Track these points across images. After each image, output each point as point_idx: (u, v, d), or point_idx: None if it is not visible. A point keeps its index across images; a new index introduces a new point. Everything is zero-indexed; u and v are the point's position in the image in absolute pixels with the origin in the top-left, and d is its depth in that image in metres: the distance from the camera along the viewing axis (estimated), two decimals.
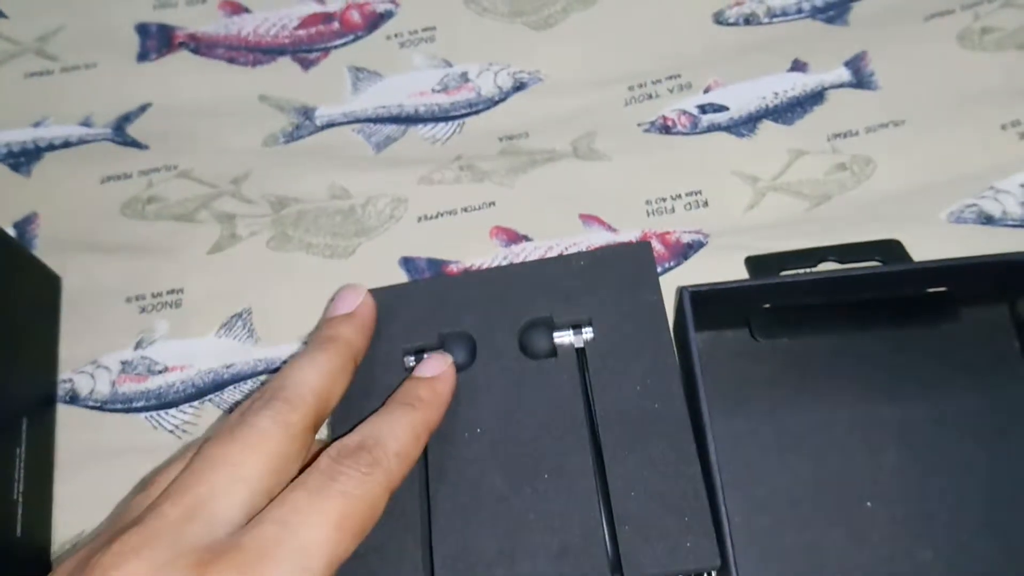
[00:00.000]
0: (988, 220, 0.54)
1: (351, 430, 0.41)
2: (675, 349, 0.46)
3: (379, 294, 0.49)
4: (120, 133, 0.62)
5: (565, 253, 0.55)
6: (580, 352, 0.46)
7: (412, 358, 0.47)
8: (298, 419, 0.39)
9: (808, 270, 0.51)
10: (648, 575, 0.41)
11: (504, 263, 0.56)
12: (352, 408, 0.46)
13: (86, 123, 0.63)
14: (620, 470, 0.43)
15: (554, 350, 0.46)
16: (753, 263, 0.52)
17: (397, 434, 0.40)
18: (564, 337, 0.46)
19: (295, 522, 0.35)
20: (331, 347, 0.43)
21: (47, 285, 0.57)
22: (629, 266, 0.48)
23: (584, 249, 0.55)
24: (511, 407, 0.45)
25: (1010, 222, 0.54)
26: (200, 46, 0.65)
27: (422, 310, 0.49)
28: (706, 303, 0.48)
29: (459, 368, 0.46)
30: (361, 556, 0.42)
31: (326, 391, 0.41)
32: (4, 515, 0.48)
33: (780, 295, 0.50)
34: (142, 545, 0.34)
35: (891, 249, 0.51)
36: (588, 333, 0.46)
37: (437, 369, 0.45)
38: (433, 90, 0.62)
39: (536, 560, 0.42)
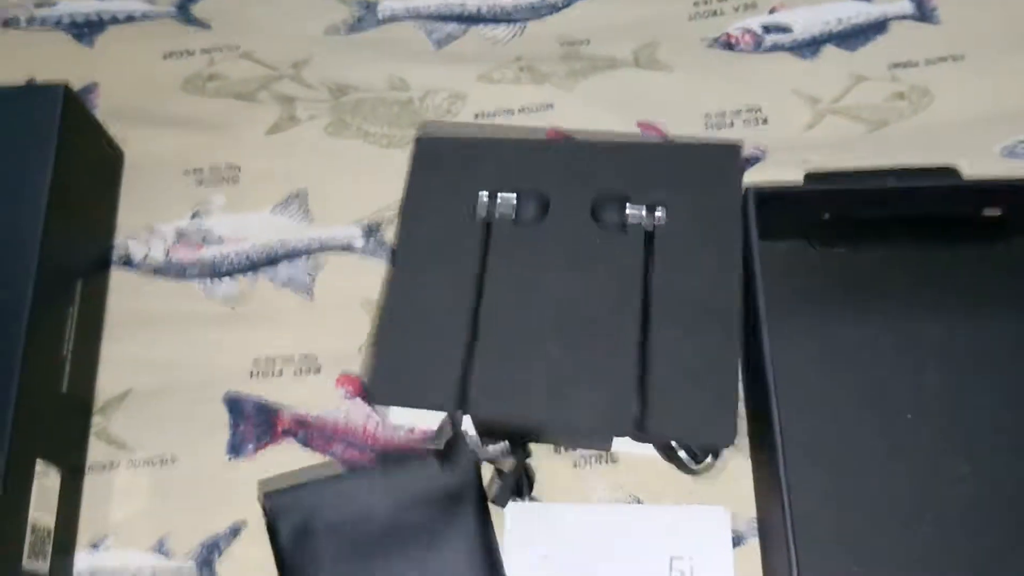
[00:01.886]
0: None
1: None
2: (740, 249, 0.47)
3: (443, 144, 0.51)
4: (184, 11, 0.62)
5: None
6: (649, 231, 0.48)
7: (486, 194, 0.49)
8: None
9: (874, 182, 0.51)
10: (667, 438, 0.44)
11: None
12: (423, 250, 0.49)
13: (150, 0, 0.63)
14: (663, 344, 0.45)
15: (624, 225, 0.48)
16: (812, 179, 0.53)
17: None
18: (637, 214, 0.48)
19: None
20: None
21: (111, 156, 0.57)
22: (714, 163, 0.49)
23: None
24: (573, 267, 0.47)
25: None
26: None
27: (503, 165, 0.50)
28: (769, 207, 0.49)
29: (531, 222, 0.48)
30: (400, 369, 0.45)
31: None
32: (52, 371, 0.49)
33: (840, 205, 0.51)
34: None
35: (948, 175, 0.52)
36: (660, 216, 0.48)
37: None
38: None
39: (568, 407, 0.44)
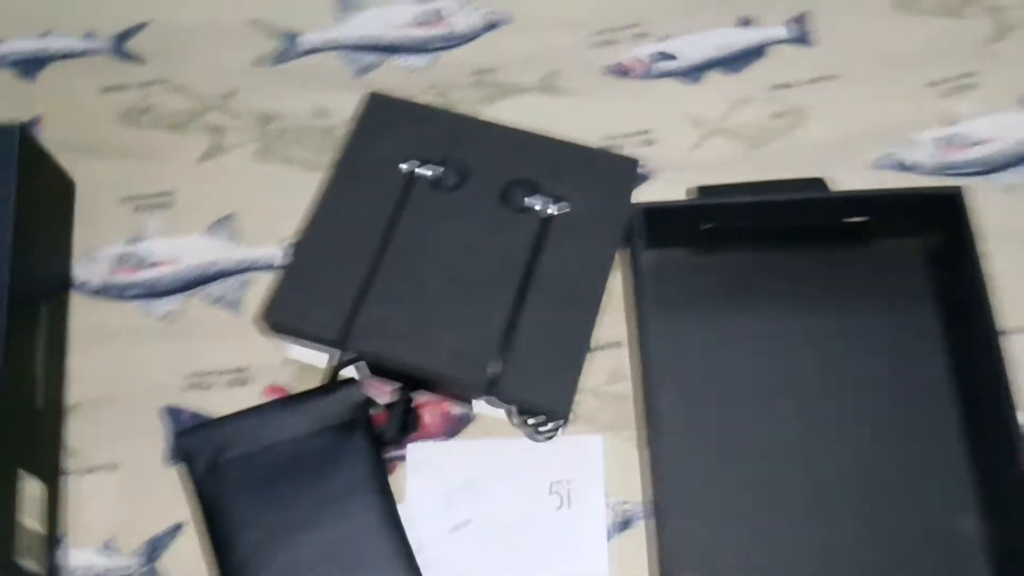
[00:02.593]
0: (905, 168, 0.60)
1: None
2: (618, 247, 0.53)
3: (392, 103, 0.57)
4: (120, 48, 0.67)
5: None
6: (546, 219, 0.54)
7: (413, 165, 0.55)
8: None
9: (751, 196, 0.57)
10: (512, 398, 0.50)
11: None
12: (348, 194, 0.54)
13: (89, 36, 0.67)
14: (531, 314, 0.51)
15: (526, 209, 0.54)
16: (702, 192, 0.58)
17: None
18: (539, 202, 0.54)
19: None
20: None
21: (64, 187, 0.61)
22: (615, 171, 0.56)
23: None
24: (473, 235, 0.54)
25: (924, 170, 0.60)
26: None
27: (438, 133, 0.56)
28: (656, 220, 0.55)
29: (448, 189, 0.55)
30: (296, 298, 0.51)
31: None
32: (28, 391, 0.53)
33: (721, 217, 0.56)
34: None
35: (816, 186, 0.57)
36: (558, 208, 0.54)
37: None
38: (411, 24, 0.67)
39: (433, 354, 0.51)
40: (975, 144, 0.61)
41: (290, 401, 0.53)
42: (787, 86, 0.64)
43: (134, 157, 0.63)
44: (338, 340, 0.51)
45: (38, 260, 0.57)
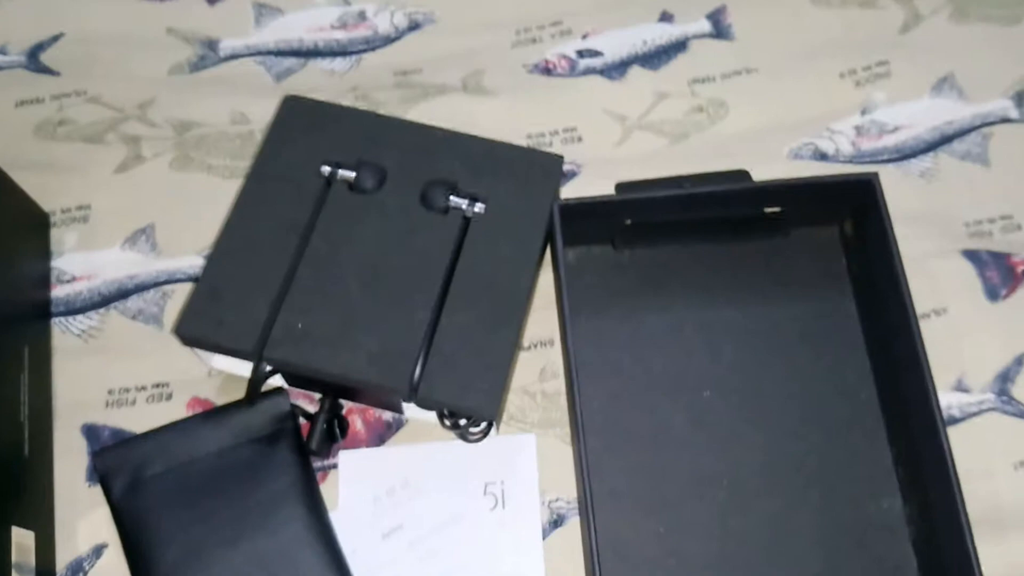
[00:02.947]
0: (823, 157, 0.61)
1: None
2: (541, 245, 0.53)
3: (308, 106, 0.56)
4: (34, 60, 0.65)
5: None
6: (467, 219, 0.53)
7: (329, 168, 0.54)
8: None
9: (667, 190, 0.57)
10: (437, 402, 0.49)
11: None
12: (263, 200, 0.53)
13: (1, 51, 0.65)
14: (454, 316, 0.51)
15: (447, 210, 0.53)
16: (622, 188, 0.58)
17: None
18: (459, 202, 0.53)
19: None
20: None
21: (36, 220, 0.59)
22: (538, 169, 0.55)
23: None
24: (392, 238, 0.52)
25: (841, 158, 0.61)
26: None
27: (355, 134, 0.55)
28: (575, 217, 0.54)
29: (366, 191, 0.53)
30: (210, 308, 0.50)
31: None
32: (14, 439, 0.50)
33: (640, 212, 0.56)
34: None
35: (740, 178, 0.58)
36: (480, 208, 0.53)
37: None
38: (332, 26, 0.67)
39: (353, 362, 0.49)
40: (890, 132, 0.62)
41: (212, 415, 0.53)
42: (708, 80, 0.64)
43: (51, 171, 0.61)
44: (254, 351, 0.49)
45: (16, 303, 0.54)
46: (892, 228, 0.52)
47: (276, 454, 0.51)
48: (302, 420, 0.53)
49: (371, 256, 0.52)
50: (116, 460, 0.51)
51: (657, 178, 0.58)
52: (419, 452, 0.53)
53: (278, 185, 0.53)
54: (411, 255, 0.52)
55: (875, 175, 0.53)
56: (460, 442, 0.53)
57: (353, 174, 0.54)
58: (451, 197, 0.53)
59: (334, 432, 0.53)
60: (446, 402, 0.49)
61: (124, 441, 0.52)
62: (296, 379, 0.53)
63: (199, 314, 0.50)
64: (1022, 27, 0.65)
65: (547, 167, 0.55)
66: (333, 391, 0.53)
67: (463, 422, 0.51)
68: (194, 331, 0.50)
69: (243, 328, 0.50)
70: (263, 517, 0.49)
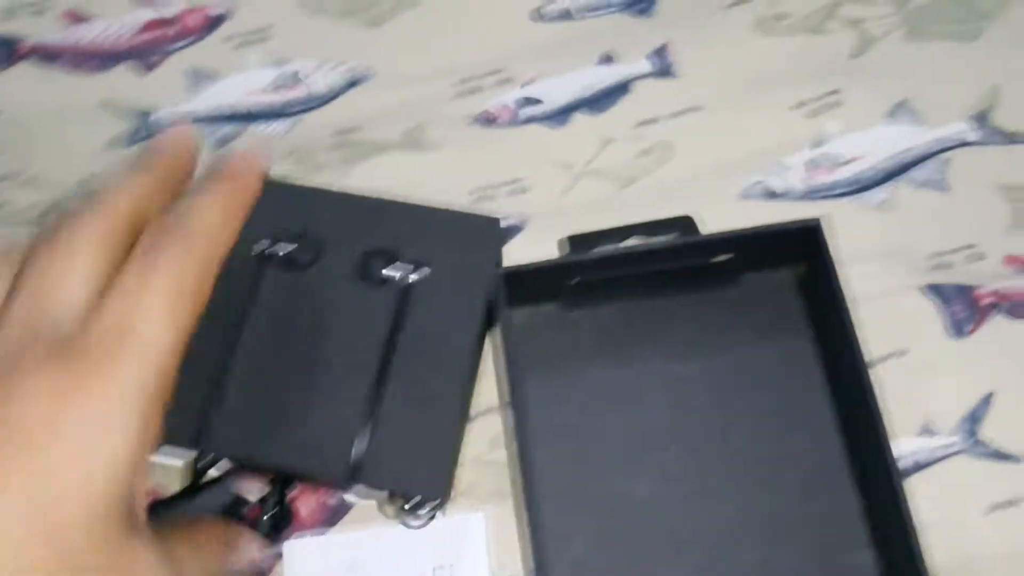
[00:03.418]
0: (773, 195, 0.59)
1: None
2: (483, 311, 0.50)
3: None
4: None
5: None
6: (405, 288, 0.50)
7: (267, 242, 0.51)
8: (118, 217, 0.40)
9: (613, 246, 0.55)
10: (379, 484, 0.47)
11: None
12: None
13: None
14: (392, 396, 0.48)
15: (385, 280, 0.51)
16: (570, 241, 0.57)
17: (210, 204, 0.43)
18: (397, 272, 0.51)
19: (130, 311, 0.37)
20: (147, 162, 0.45)
21: None
22: (476, 232, 0.52)
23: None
24: (330, 314, 0.50)
25: (793, 196, 0.59)
26: (44, 55, 0.67)
27: (285, 207, 0.52)
28: (520, 281, 0.53)
29: (302, 267, 0.51)
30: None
31: (143, 191, 0.42)
32: None
33: (586, 270, 0.54)
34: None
35: (684, 224, 0.56)
36: (416, 276, 0.51)
37: (249, 148, 0.48)
38: (267, 89, 0.65)
39: (292, 445, 0.47)
40: (844, 163, 0.60)
41: (152, 508, 0.51)
42: (653, 121, 0.62)
43: None
44: (192, 442, 0.48)
45: None
46: (837, 277, 0.50)
47: None
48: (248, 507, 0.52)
49: (307, 335, 0.50)
50: None
51: (606, 229, 0.56)
52: (366, 538, 0.52)
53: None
54: (348, 331, 0.50)
55: (818, 221, 0.51)
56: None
57: (290, 248, 0.51)
58: (389, 267, 0.51)
59: (280, 519, 0.51)
60: (391, 485, 0.47)
61: None
62: (240, 465, 0.51)
63: None
64: (981, 42, 0.63)
65: (485, 230, 0.53)
66: (278, 475, 0.51)
67: (407, 506, 0.50)
68: None
69: (178, 420, 0.47)
70: None
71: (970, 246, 0.57)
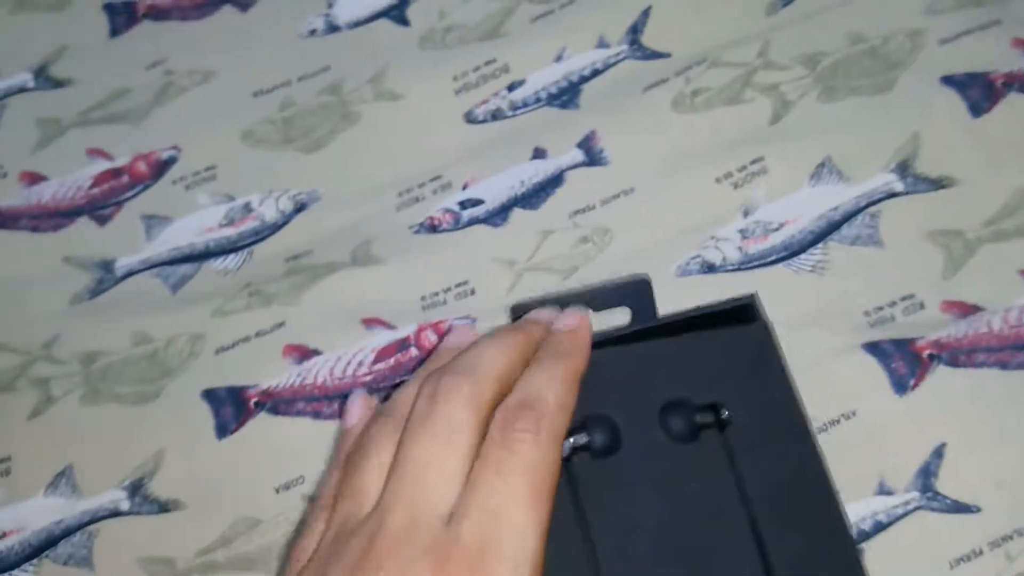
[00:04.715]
0: (711, 268, 0.60)
1: None
2: (807, 421, 0.48)
3: None
4: None
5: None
6: (722, 431, 0.47)
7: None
8: (487, 400, 0.41)
9: None
10: None
11: (299, 381, 0.62)
12: None
13: None
14: (775, 538, 0.45)
15: (697, 431, 0.47)
16: (512, 311, 0.55)
17: (553, 386, 0.42)
18: (706, 418, 0.47)
19: (496, 508, 0.38)
20: (517, 332, 0.46)
21: None
22: (743, 342, 0.50)
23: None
24: (664, 489, 0.46)
25: (729, 267, 0.60)
26: (5, 220, 0.70)
27: None
28: None
29: (605, 453, 0.46)
30: None
31: (509, 371, 0.43)
32: None
33: None
34: (384, 560, 0.37)
35: (639, 287, 0.54)
36: (725, 414, 0.47)
37: (575, 320, 0.48)
38: (220, 224, 0.68)
39: None
40: (775, 229, 0.61)
41: None
42: (588, 209, 0.64)
43: None
44: None
45: None
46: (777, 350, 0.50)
47: None
48: None
49: (656, 520, 0.45)
50: None
51: (555, 294, 0.56)
52: None
53: None
54: (694, 498, 0.46)
55: (754, 296, 0.52)
56: None
57: (584, 437, 0.46)
58: (695, 417, 0.47)
59: None
60: None
61: None
62: None
63: None
64: (893, 93, 0.64)
65: (754, 335, 0.49)
66: None
67: None
68: None
69: None
70: None
71: (908, 296, 0.58)
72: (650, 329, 0.52)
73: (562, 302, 0.56)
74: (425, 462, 0.39)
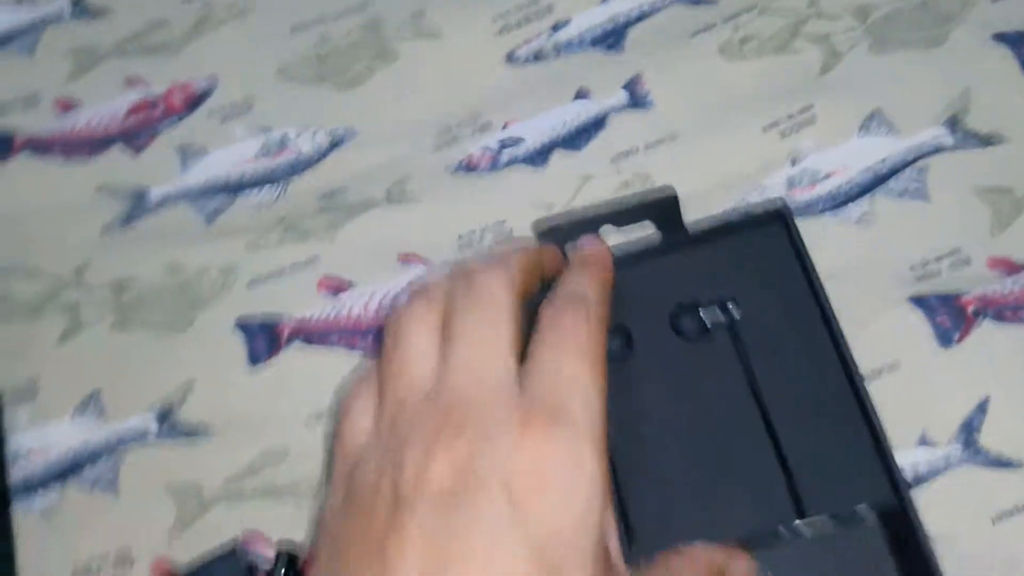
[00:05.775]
0: None
1: None
2: (825, 314, 0.49)
3: None
4: None
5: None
6: (732, 327, 0.49)
7: None
8: (519, 287, 0.42)
9: None
10: (827, 511, 0.46)
11: (333, 314, 0.61)
12: None
13: None
14: (786, 427, 0.47)
15: (706, 329, 0.49)
16: (537, 226, 0.57)
17: (593, 285, 0.44)
18: (716, 317, 0.49)
19: (562, 369, 0.39)
20: (533, 247, 0.48)
21: None
22: (762, 237, 0.51)
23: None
24: (675, 386, 0.49)
25: None
26: (38, 147, 0.69)
27: None
28: None
29: (619, 358, 0.49)
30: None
31: (533, 269, 0.45)
32: None
33: None
34: (466, 428, 0.37)
35: (666, 202, 0.55)
36: (734, 310, 0.49)
37: (596, 241, 0.51)
38: (256, 156, 0.67)
39: (728, 521, 0.46)
40: (822, 179, 0.60)
41: None
42: (631, 153, 0.63)
43: None
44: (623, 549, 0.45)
45: None
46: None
47: None
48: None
49: (667, 416, 0.48)
50: None
51: (574, 215, 0.57)
52: None
53: None
54: (705, 394, 0.48)
55: (782, 201, 0.52)
56: None
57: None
58: (702, 315, 0.50)
59: None
60: (838, 508, 0.47)
61: None
62: None
63: None
64: (945, 48, 0.63)
65: (772, 229, 0.51)
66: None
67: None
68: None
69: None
70: None
71: (955, 251, 0.57)
72: (677, 242, 0.52)
73: (588, 218, 0.55)
74: (477, 333, 0.39)
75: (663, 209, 0.55)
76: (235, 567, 0.52)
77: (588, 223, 0.55)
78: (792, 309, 0.49)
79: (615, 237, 0.56)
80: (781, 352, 0.48)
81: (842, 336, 0.49)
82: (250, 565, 0.52)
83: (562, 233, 0.55)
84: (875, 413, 0.47)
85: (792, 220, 0.51)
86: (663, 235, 0.55)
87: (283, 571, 0.52)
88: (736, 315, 0.49)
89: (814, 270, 0.50)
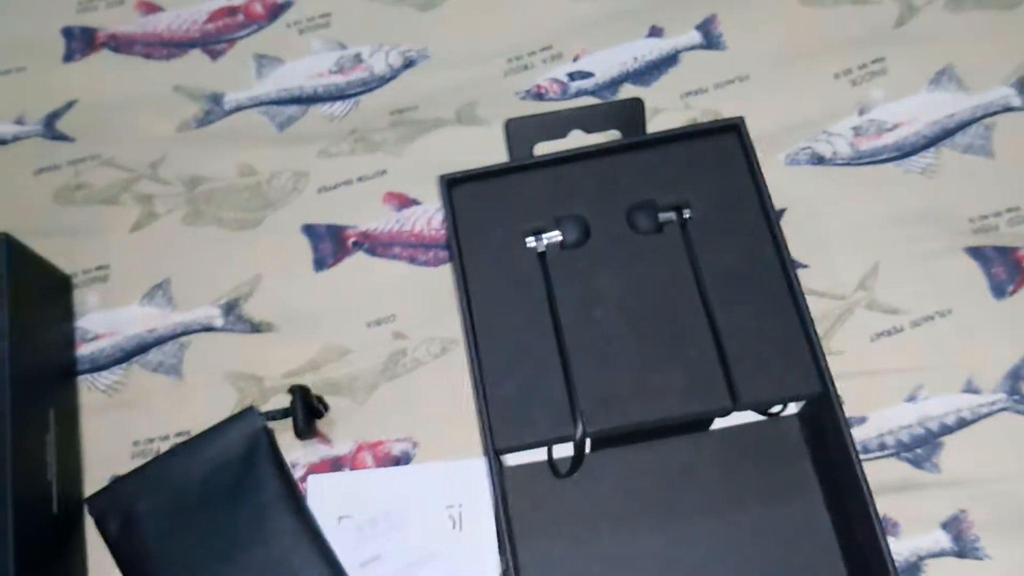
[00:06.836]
0: (820, 160, 0.60)
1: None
2: (770, 218, 0.51)
3: (491, 182, 0.54)
4: (50, 128, 0.68)
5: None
6: (684, 227, 0.52)
7: (532, 238, 0.53)
8: None
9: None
10: (761, 402, 0.49)
11: (397, 227, 0.63)
12: (492, 293, 0.52)
13: (19, 121, 0.69)
14: (728, 319, 0.50)
15: (661, 227, 0.52)
16: (508, 125, 0.56)
17: None
18: (668, 216, 0.52)
19: None
20: None
21: (58, 284, 0.62)
22: (719, 149, 0.53)
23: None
24: (625, 274, 0.52)
25: (839, 161, 0.60)
26: (120, 44, 0.71)
27: (534, 196, 0.54)
28: (468, 197, 0.55)
29: (575, 245, 0.52)
30: (515, 399, 0.49)
31: None
32: (42, 496, 0.54)
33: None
34: None
35: (630, 108, 0.56)
36: (688, 213, 0.52)
37: None
38: (330, 71, 0.68)
39: (665, 398, 0.49)
40: (889, 129, 0.61)
41: (189, 443, 0.56)
42: (701, 91, 0.64)
43: (70, 235, 0.64)
44: (568, 435, 0.49)
45: (40, 366, 0.57)
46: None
47: (256, 470, 0.55)
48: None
49: (618, 301, 0.51)
50: (107, 502, 0.54)
51: (544, 116, 0.56)
52: (382, 475, 0.57)
53: (495, 274, 0.53)
54: (653, 284, 0.51)
55: (740, 119, 0.53)
56: (419, 465, 0.57)
57: (558, 235, 0.53)
58: (659, 214, 0.52)
59: (312, 412, 0.56)
60: (771, 397, 0.49)
61: (112, 483, 0.55)
62: (601, 440, 0.52)
63: (508, 423, 0.49)
64: (1020, 10, 0.63)
65: (727, 142, 0.53)
66: (640, 438, 0.53)
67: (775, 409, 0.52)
68: (512, 441, 0.49)
69: (553, 417, 0.49)
70: (255, 531, 0.53)
71: (1014, 208, 0.58)
72: (637, 142, 0.55)
73: (557, 122, 0.56)
74: None
75: (628, 114, 0.56)
76: (251, 424, 0.55)
77: (556, 124, 0.56)
78: (741, 213, 0.52)
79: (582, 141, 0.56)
80: (727, 252, 0.51)
81: (785, 246, 0.51)
82: (265, 425, 0.55)
83: (531, 130, 0.56)
84: (807, 310, 0.49)
85: (746, 130, 0.53)
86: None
87: (300, 404, 0.56)
88: (688, 215, 0.52)
89: (764, 181, 0.52)
